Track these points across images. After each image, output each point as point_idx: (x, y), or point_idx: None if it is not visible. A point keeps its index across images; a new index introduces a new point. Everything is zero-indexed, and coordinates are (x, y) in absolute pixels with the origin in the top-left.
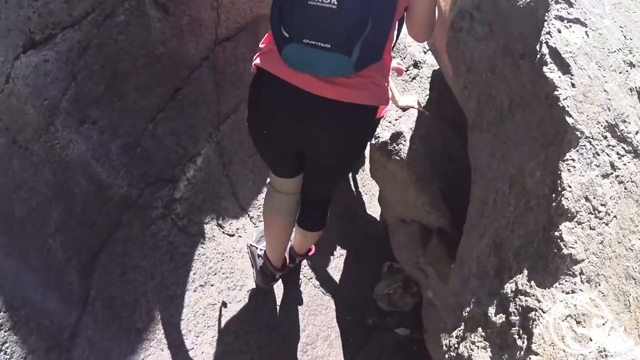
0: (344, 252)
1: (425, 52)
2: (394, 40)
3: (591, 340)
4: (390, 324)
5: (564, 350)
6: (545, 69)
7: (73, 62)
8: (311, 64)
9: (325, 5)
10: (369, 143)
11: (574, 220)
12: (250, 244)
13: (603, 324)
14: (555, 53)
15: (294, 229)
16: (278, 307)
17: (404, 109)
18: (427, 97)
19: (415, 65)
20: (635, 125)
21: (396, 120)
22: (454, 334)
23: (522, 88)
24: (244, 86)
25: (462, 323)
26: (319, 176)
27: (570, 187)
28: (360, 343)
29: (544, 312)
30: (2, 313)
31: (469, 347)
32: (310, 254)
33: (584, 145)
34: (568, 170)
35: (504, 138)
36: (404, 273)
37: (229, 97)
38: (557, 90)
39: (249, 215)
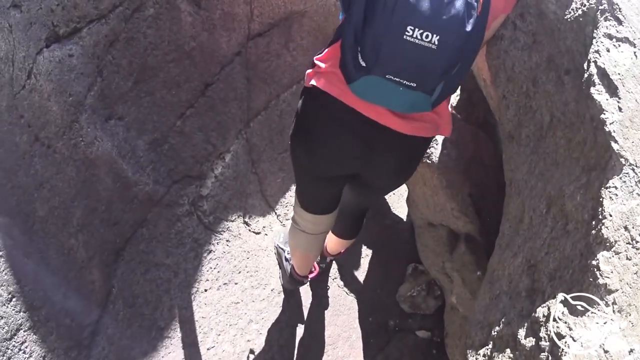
0: (369, 252)
1: None
2: None
3: None
4: (411, 326)
5: None
6: (592, 89)
7: (99, 57)
8: (387, 99)
9: (425, 44)
10: None
11: (612, 249)
12: (278, 245)
13: (629, 353)
14: (603, 74)
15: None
16: (302, 307)
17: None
18: (458, 97)
19: None
20: None
21: None
22: (481, 352)
23: (565, 105)
24: (275, 82)
25: (491, 342)
26: (369, 196)
27: (611, 215)
28: (381, 344)
29: (574, 341)
30: (21, 313)
31: None
32: (341, 254)
33: (627, 173)
34: (610, 198)
35: (544, 155)
36: (428, 276)
37: (260, 93)
38: (604, 114)
39: (276, 213)
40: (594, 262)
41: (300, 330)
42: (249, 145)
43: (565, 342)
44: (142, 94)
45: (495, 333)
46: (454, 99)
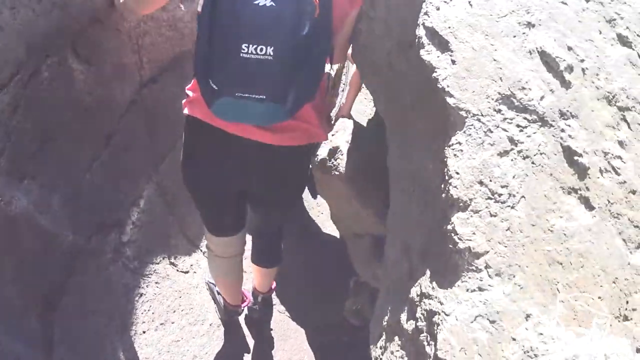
0: (307, 274)
1: None
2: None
3: (514, 340)
4: (365, 338)
5: (480, 355)
6: (422, 52)
7: (6, 124)
8: (245, 115)
9: (260, 57)
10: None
11: (469, 209)
12: (208, 281)
13: (526, 319)
14: (432, 33)
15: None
16: (245, 337)
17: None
18: (374, 109)
19: None
20: (539, 89)
21: (332, 135)
22: (378, 344)
23: (417, 81)
24: (175, 124)
25: (384, 333)
26: (267, 214)
27: (457, 173)
28: None
29: (447, 315)
30: None
31: (389, 357)
32: (273, 288)
33: (471, 125)
34: (455, 155)
35: (408, 135)
36: (370, 286)
37: (163, 136)
38: (436, 72)
39: (201, 250)
40: (449, 227)
41: (247, 359)
42: (161, 188)
43: (439, 318)
44: (50, 153)
45: (386, 322)
46: (371, 110)
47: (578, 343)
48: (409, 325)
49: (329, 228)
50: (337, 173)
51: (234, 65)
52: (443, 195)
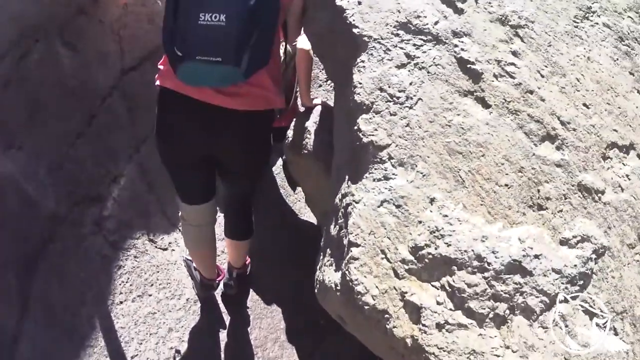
0: (283, 258)
1: None
2: (281, 44)
3: (420, 222)
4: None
5: (388, 238)
6: (337, 1)
7: None
8: (204, 78)
9: (214, 23)
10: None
11: (371, 110)
12: (186, 258)
13: (431, 203)
14: None
15: (225, 243)
16: (221, 313)
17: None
18: None
19: None
20: (434, 16)
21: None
22: (317, 266)
23: (341, 30)
24: (154, 111)
25: (321, 254)
26: (234, 181)
27: (360, 83)
28: (316, 342)
29: (356, 203)
30: None
31: (322, 270)
32: (247, 264)
33: (373, 47)
34: (359, 71)
35: (342, 83)
36: None
37: (144, 121)
38: (345, 13)
39: (179, 230)
40: (355, 128)
41: (223, 335)
42: (141, 168)
43: (351, 208)
44: (36, 126)
45: (322, 243)
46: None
47: (489, 228)
48: (335, 231)
49: (306, 215)
50: (305, 152)
51: (193, 32)
52: (350, 104)
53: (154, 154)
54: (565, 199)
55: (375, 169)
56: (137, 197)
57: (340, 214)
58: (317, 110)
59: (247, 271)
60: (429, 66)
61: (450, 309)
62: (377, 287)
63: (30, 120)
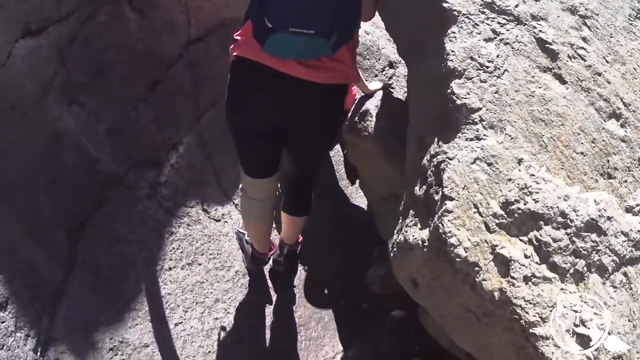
0: (333, 240)
1: None
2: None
3: (510, 180)
4: (385, 307)
5: (480, 193)
6: None
7: (62, 51)
8: (294, 50)
9: None
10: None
11: (463, 76)
12: (238, 231)
13: (519, 163)
14: None
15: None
16: (268, 288)
17: (373, 94)
18: (405, 94)
19: (391, 65)
20: (514, 0)
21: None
22: (395, 231)
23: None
24: (218, 84)
25: (400, 218)
26: (302, 153)
27: (453, 51)
28: (357, 327)
29: (450, 160)
30: None
31: (404, 231)
32: (299, 241)
33: (462, 21)
34: (450, 41)
35: (418, 60)
36: None
37: (206, 92)
38: None
39: (233, 202)
40: (449, 91)
41: (268, 310)
42: (201, 139)
43: (444, 164)
44: (100, 87)
45: (402, 208)
46: (402, 96)
47: (569, 189)
48: (421, 191)
49: (358, 200)
50: (366, 134)
51: (286, 4)
52: (443, 70)
53: (215, 126)
54: (629, 171)
55: (468, 129)
56: (194, 166)
57: (429, 173)
58: (378, 95)
59: (298, 250)
60: (513, 42)
61: (537, 263)
62: (469, 239)
63: (94, 81)
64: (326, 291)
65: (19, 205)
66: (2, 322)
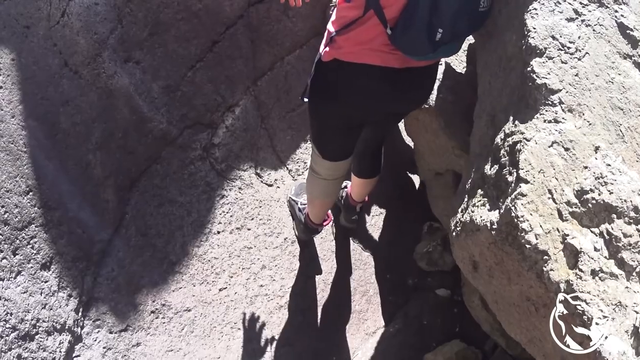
0: (383, 211)
1: None
2: None
3: (586, 168)
4: (430, 284)
5: (556, 179)
6: None
7: (119, 8)
8: (448, 52)
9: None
10: None
11: (544, 55)
12: (291, 198)
13: (595, 151)
14: None
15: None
16: (317, 258)
17: None
18: (464, 69)
19: None
20: None
21: None
22: (459, 210)
23: None
24: (278, 45)
25: (465, 197)
26: (387, 124)
27: (535, 28)
28: (400, 303)
29: (527, 141)
30: (36, 208)
31: (470, 211)
32: (366, 201)
33: None
34: (532, 17)
35: (493, 35)
36: (444, 231)
37: (265, 54)
38: None
39: (287, 168)
40: (529, 69)
41: (315, 280)
42: (257, 101)
43: (521, 145)
44: (156, 45)
45: (468, 186)
46: (461, 70)
47: None
48: (492, 170)
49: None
50: (426, 106)
51: (471, 18)
52: (524, 47)
53: (272, 88)
54: None
55: (547, 110)
56: (249, 129)
57: (502, 153)
58: (440, 68)
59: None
60: (594, 25)
61: (605, 257)
62: (541, 226)
63: (150, 38)
64: (373, 264)
65: (70, 161)
66: (46, 282)
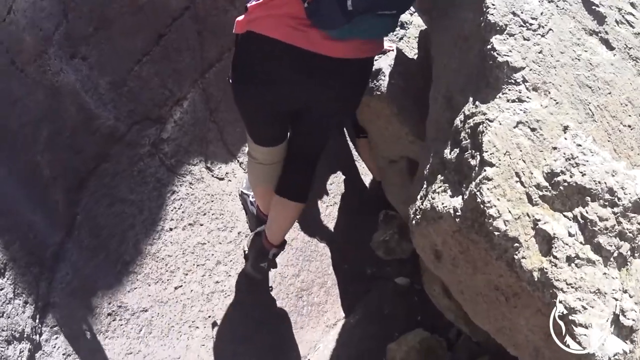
0: (337, 200)
1: (411, 14)
2: None
3: (555, 148)
4: (389, 273)
5: (523, 161)
6: None
7: (64, 2)
8: (368, 32)
9: None
10: None
11: (505, 32)
12: (242, 191)
13: (564, 131)
14: None
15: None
16: None
17: (385, 52)
18: (416, 55)
19: (402, 26)
20: None
21: (375, 60)
22: (417, 197)
23: None
24: (226, 36)
25: (424, 183)
26: (314, 128)
27: (494, 5)
28: (360, 293)
29: (490, 122)
30: None
31: (430, 197)
32: (284, 243)
33: None
34: None
35: (447, 15)
36: (400, 219)
37: (212, 46)
38: None
39: (238, 160)
40: (488, 47)
41: (270, 274)
42: (205, 94)
43: (484, 126)
44: (102, 40)
45: (427, 172)
46: (412, 56)
47: (616, 164)
48: (453, 154)
49: (364, 168)
50: (378, 93)
51: None
52: (482, 24)
53: (220, 81)
54: None
55: (509, 89)
56: (198, 123)
57: (463, 135)
58: (391, 54)
59: (279, 253)
60: (557, 0)
61: (581, 242)
62: (510, 211)
63: (96, 33)
64: (330, 255)
65: (18, 164)
66: (1, 289)
